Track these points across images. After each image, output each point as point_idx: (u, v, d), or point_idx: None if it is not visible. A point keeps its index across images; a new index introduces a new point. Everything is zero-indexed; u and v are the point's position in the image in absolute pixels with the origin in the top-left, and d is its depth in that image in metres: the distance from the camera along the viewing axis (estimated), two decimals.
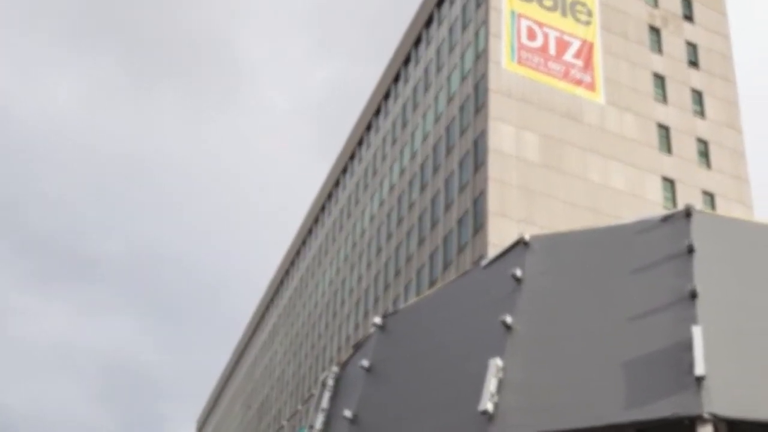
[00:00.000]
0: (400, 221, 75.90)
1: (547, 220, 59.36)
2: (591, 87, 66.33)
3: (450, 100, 70.59)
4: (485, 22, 66.65)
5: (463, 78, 68.75)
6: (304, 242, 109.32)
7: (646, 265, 13.09)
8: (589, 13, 68.94)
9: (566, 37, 67.18)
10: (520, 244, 14.21)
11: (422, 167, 73.37)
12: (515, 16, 66.50)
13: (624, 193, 63.75)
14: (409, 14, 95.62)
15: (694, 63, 72.15)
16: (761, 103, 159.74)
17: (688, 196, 63.51)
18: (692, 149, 68.45)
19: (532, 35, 66.37)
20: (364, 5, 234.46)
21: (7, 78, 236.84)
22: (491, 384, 11.77)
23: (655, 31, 71.80)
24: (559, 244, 14.54)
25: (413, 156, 75.95)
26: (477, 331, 13.35)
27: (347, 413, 13.90)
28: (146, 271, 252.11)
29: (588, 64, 66.95)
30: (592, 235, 14.78)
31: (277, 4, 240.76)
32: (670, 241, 13.19)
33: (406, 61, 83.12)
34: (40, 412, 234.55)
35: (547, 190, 61.66)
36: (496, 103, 63.25)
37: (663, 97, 69.30)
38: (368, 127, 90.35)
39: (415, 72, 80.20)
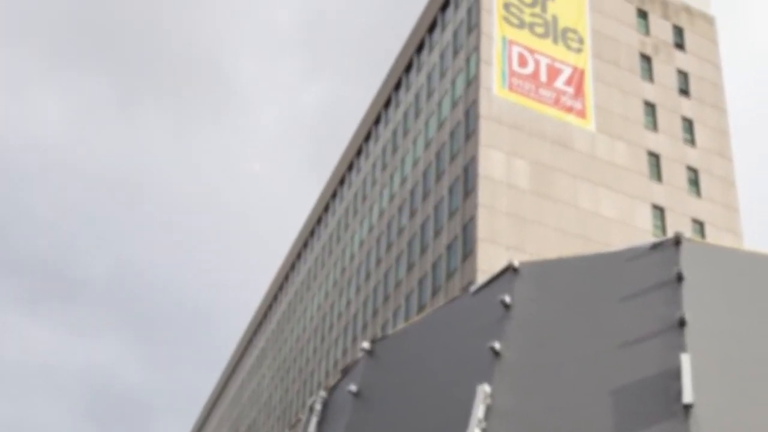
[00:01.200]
0: (389, 247, 75.84)
1: (537, 247, 59.38)
2: (582, 114, 66.50)
3: (440, 125, 70.67)
4: (476, 48, 66.83)
5: (454, 104, 68.87)
6: (293, 266, 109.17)
7: (635, 292, 13.04)
8: (581, 41, 69.19)
9: (557, 64, 67.40)
10: (510, 270, 14.14)
11: (412, 193, 73.39)
12: (506, 43, 66.70)
13: (614, 220, 63.83)
14: (400, 38, 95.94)
15: (684, 91, 72.41)
16: (751, 131, 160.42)
17: (677, 224, 63.62)
18: (682, 177, 68.63)
19: (523, 62, 66.56)
20: (356, 27, 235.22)
21: None
22: (479, 410, 11.72)
23: (646, 59, 72.09)
24: (549, 270, 14.47)
25: (403, 181, 75.98)
26: (465, 357, 13.28)
27: None
28: (134, 292, 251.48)
29: (579, 92, 67.14)
30: (581, 262, 14.72)
31: (267, 24, 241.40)
32: (660, 268, 13.15)
33: (397, 87, 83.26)
34: None
35: (537, 217, 61.72)
36: (486, 130, 63.36)
37: (653, 125, 69.52)
38: (358, 152, 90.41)
39: (405, 97, 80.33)
